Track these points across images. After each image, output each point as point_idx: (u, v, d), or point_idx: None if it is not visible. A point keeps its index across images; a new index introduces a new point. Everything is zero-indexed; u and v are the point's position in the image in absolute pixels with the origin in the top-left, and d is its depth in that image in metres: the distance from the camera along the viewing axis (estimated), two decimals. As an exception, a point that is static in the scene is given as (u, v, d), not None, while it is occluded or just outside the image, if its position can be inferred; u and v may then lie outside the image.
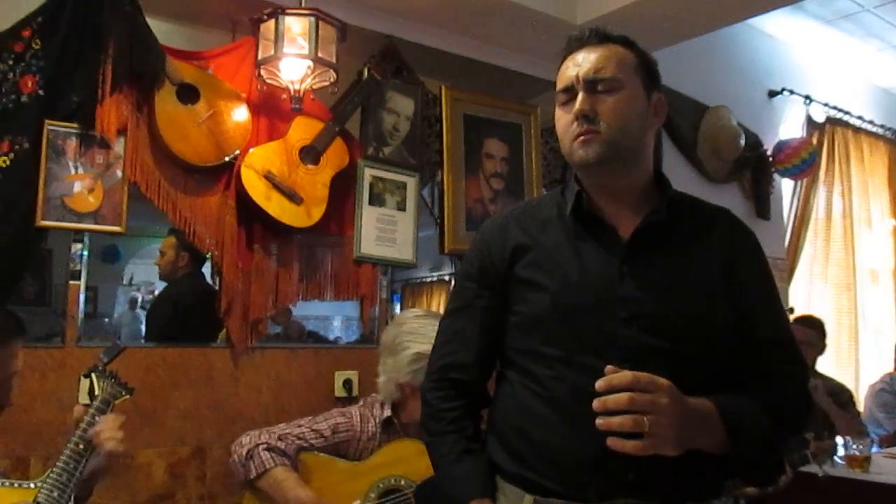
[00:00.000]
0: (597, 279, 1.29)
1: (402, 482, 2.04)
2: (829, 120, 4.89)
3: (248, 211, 2.52)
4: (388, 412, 2.15)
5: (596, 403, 1.11)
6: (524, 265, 1.35)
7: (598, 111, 1.29)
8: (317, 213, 2.60)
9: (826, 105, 4.81)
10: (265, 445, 2.01)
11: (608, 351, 1.23)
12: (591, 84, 1.31)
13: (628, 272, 1.29)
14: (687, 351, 1.25)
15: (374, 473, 2.05)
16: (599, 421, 1.11)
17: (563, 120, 1.34)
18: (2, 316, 1.58)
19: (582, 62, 1.33)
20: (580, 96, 1.31)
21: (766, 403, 1.25)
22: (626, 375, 1.11)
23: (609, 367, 1.13)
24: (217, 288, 2.56)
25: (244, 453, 2.02)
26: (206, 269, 2.97)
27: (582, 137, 1.30)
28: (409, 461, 2.05)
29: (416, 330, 2.11)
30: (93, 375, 1.74)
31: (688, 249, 1.33)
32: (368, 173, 2.83)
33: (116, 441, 1.61)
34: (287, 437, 2.05)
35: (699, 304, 1.29)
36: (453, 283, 1.52)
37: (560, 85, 1.36)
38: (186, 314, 2.93)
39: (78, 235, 2.30)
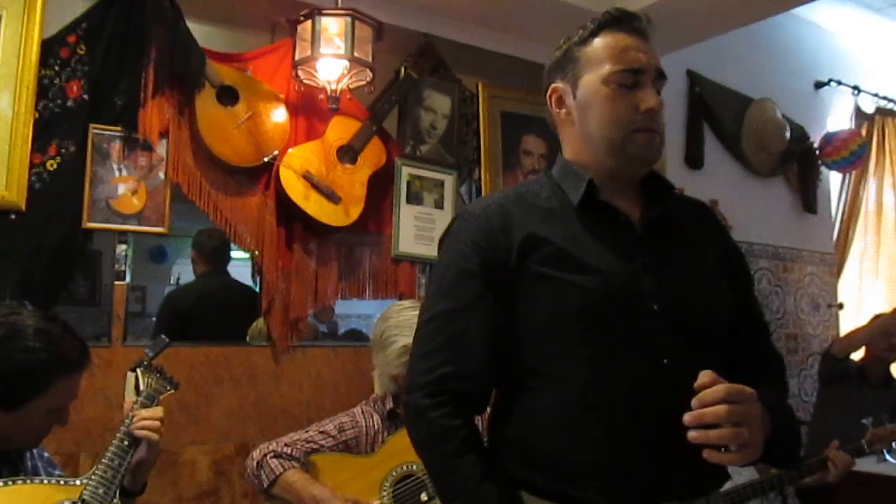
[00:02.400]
0: (622, 273, 1.20)
1: (415, 467, 2.04)
2: (879, 110, 4.74)
3: (287, 210, 2.55)
4: (390, 405, 2.16)
5: (688, 418, 1.04)
6: (540, 259, 1.20)
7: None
8: (355, 212, 2.62)
9: (876, 95, 4.67)
10: (273, 453, 2.03)
11: (646, 348, 1.17)
12: (659, 79, 1.24)
13: (649, 264, 1.22)
14: (711, 341, 1.23)
15: (386, 464, 2.05)
16: (694, 434, 1.04)
17: (623, 104, 1.21)
18: (70, 346, 1.55)
19: (647, 51, 1.24)
20: (652, 90, 1.22)
21: (773, 385, 1.27)
22: (719, 390, 1.05)
23: (704, 373, 1.06)
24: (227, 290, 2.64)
25: (254, 465, 2.03)
26: (237, 269, 2.99)
27: (649, 134, 1.22)
28: None
29: (402, 323, 2.11)
30: (138, 371, 1.75)
31: (689, 240, 1.31)
32: (406, 172, 2.84)
33: (148, 430, 1.61)
34: (295, 443, 2.06)
35: (714, 294, 1.27)
36: (437, 280, 1.31)
37: (626, 63, 1.21)
38: (184, 315, 2.91)
39: (122, 236, 2.35)
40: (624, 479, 1.16)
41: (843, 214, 4.58)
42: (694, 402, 1.05)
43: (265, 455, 2.04)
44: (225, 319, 2.74)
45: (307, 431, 2.12)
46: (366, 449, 2.13)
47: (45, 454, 1.67)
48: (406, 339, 2.07)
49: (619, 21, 1.25)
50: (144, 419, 1.63)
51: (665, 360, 1.16)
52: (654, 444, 1.13)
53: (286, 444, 2.06)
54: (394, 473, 2.05)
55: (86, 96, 2.28)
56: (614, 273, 1.20)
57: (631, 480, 1.16)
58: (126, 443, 1.60)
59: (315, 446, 2.09)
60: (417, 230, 2.84)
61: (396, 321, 2.13)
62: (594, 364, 1.17)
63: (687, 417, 1.05)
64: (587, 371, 1.17)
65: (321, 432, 2.12)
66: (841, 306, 4.45)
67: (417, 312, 2.11)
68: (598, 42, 1.24)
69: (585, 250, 1.21)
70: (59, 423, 1.60)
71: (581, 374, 1.17)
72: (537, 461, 1.20)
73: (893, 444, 2.71)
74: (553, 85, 1.30)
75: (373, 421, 2.16)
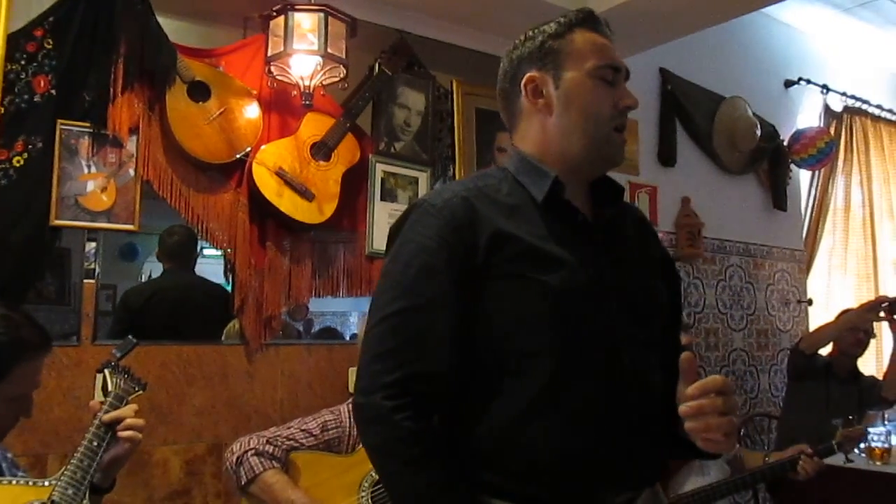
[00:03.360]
0: (587, 272, 1.20)
1: None
2: (847, 109, 4.82)
3: (260, 208, 2.53)
4: None
5: (685, 409, 1.08)
6: (509, 257, 1.18)
7: None
8: (329, 209, 2.60)
9: (844, 94, 4.75)
10: (253, 451, 2.01)
11: (609, 345, 1.19)
12: (626, 80, 1.29)
13: (606, 263, 1.24)
14: (660, 338, 1.27)
15: (365, 464, 2.02)
16: (693, 424, 1.08)
17: (606, 99, 1.24)
18: (30, 330, 1.56)
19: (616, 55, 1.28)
20: (628, 89, 1.25)
21: None
22: (717, 380, 1.09)
23: (686, 354, 1.12)
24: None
25: (234, 460, 2.02)
26: (211, 267, 2.97)
27: (622, 135, 1.25)
28: None
29: None
30: (106, 371, 1.73)
31: (635, 242, 1.33)
32: (380, 169, 2.83)
33: (133, 431, 1.61)
34: (276, 439, 2.05)
35: (661, 294, 1.31)
36: (395, 274, 1.21)
37: (608, 60, 1.25)
38: (136, 313, 2.87)
39: (92, 234, 2.32)
40: (591, 472, 1.17)
41: (812, 212, 4.64)
42: (692, 390, 1.08)
43: (246, 452, 2.01)
44: (185, 317, 2.71)
45: (290, 428, 2.10)
46: (346, 448, 2.11)
47: (9, 455, 1.65)
48: None
49: (590, 21, 1.28)
50: (128, 420, 1.62)
51: (625, 357, 1.19)
52: (618, 438, 1.16)
53: (268, 441, 2.04)
54: (373, 474, 2.03)
55: (53, 91, 2.23)
56: (579, 272, 1.19)
57: (597, 473, 1.17)
58: (95, 443, 1.58)
59: (296, 444, 2.07)
60: (392, 227, 2.83)
61: None
62: (562, 361, 1.16)
63: (684, 409, 1.08)
64: (555, 368, 1.16)
65: (303, 430, 2.10)
66: (810, 302, 4.52)
67: None
68: (578, 37, 1.26)
69: (551, 249, 1.19)
70: (23, 413, 1.59)
71: (549, 371, 1.16)
72: (504, 461, 1.17)
73: (862, 444, 2.77)
74: (529, 74, 1.27)
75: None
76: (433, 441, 1.16)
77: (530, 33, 1.31)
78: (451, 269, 1.17)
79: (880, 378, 3.60)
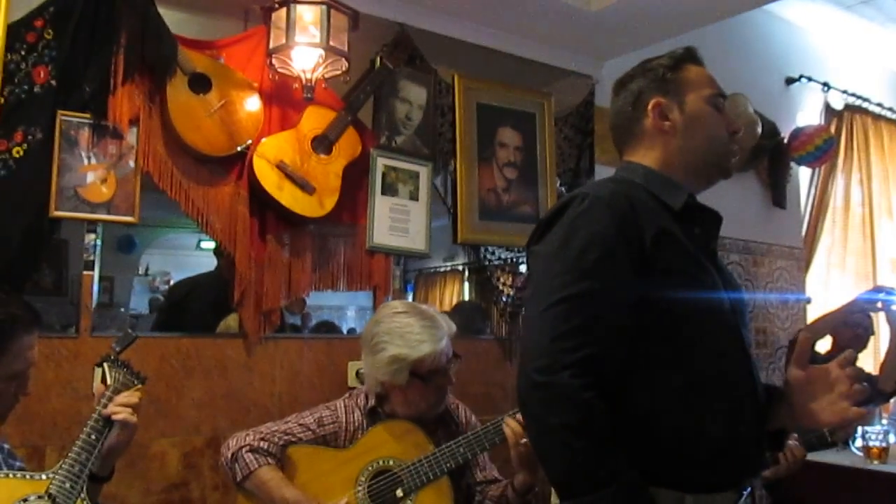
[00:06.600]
0: (713, 272, 1.35)
1: (391, 462, 2.03)
2: (848, 107, 4.81)
3: (260, 201, 2.52)
4: (372, 402, 2.14)
5: (847, 373, 1.27)
6: (672, 254, 1.28)
7: None
8: (329, 202, 2.59)
9: (845, 92, 4.74)
10: (248, 447, 2.00)
11: (738, 340, 1.34)
12: None
13: (719, 268, 1.39)
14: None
15: (362, 458, 2.04)
16: (859, 387, 1.26)
17: (721, 124, 1.44)
18: (19, 307, 1.58)
19: None
20: (730, 116, 1.45)
21: None
22: (852, 354, 1.29)
23: (803, 333, 1.31)
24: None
25: (230, 456, 2.01)
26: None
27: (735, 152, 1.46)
28: (396, 441, 2.04)
29: (394, 331, 2.04)
30: (105, 365, 1.74)
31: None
32: (381, 163, 2.82)
33: (127, 412, 1.64)
34: (273, 435, 2.04)
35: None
36: (572, 259, 1.25)
37: (719, 89, 1.46)
38: (176, 305, 3.01)
39: (91, 226, 2.31)
40: (742, 460, 1.29)
41: (811, 210, 4.64)
42: (842, 361, 1.28)
43: (241, 448, 2.01)
44: (219, 313, 2.70)
45: (287, 423, 2.10)
46: (343, 444, 2.11)
47: (6, 446, 1.65)
48: (396, 349, 2.01)
49: (695, 57, 1.49)
50: (120, 403, 1.66)
51: (747, 351, 1.35)
52: (756, 427, 1.32)
53: (263, 438, 2.03)
54: (370, 468, 2.03)
55: (53, 82, 2.22)
56: (711, 273, 1.35)
57: (746, 461, 1.30)
58: (93, 436, 1.59)
59: (293, 439, 2.06)
60: (392, 221, 2.82)
61: (388, 327, 2.06)
62: (717, 354, 1.29)
63: (845, 373, 1.27)
64: (712, 360, 1.28)
65: (300, 425, 2.09)
66: (809, 301, 4.52)
67: (411, 319, 2.04)
68: (692, 69, 1.46)
69: (696, 251, 1.33)
70: (21, 391, 1.61)
71: (706, 362, 1.27)
72: (663, 451, 1.23)
73: (855, 434, 2.77)
74: (657, 99, 1.43)
75: (353, 417, 2.13)
76: (612, 421, 1.18)
77: (648, 66, 1.47)
78: (629, 258, 1.25)
79: (875, 373, 3.60)
